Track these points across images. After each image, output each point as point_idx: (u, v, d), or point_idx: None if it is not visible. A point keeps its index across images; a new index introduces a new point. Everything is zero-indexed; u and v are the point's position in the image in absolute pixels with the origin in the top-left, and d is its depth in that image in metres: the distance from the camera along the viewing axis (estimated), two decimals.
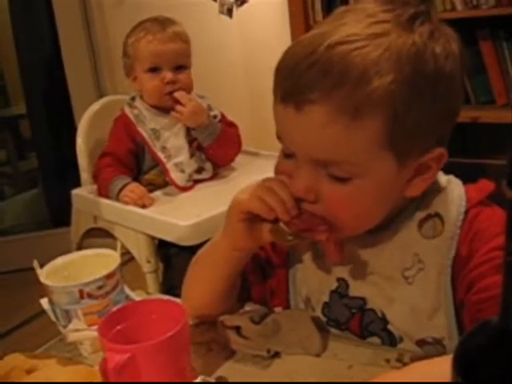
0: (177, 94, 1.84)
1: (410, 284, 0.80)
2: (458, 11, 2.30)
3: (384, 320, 0.83)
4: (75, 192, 2.00)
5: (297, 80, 0.71)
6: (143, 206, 1.75)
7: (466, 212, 0.79)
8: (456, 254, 0.78)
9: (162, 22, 1.88)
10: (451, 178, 0.82)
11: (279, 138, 0.78)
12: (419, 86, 0.70)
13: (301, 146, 0.74)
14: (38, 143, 3.45)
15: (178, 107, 1.83)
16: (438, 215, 0.79)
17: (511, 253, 0.37)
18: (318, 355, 0.82)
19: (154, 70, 1.85)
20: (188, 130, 1.88)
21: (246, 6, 2.92)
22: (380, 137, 0.70)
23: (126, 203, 1.76)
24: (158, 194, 1.84)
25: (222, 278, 0.88)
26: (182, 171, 1.84)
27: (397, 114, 0.69)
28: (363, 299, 0.84)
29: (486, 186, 0.81)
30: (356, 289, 0.84)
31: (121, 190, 1.77)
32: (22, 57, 3.25)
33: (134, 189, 1.78)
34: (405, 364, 0.77)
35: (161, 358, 0.71)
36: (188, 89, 1.89)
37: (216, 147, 1.88)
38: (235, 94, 2.98)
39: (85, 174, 2.00)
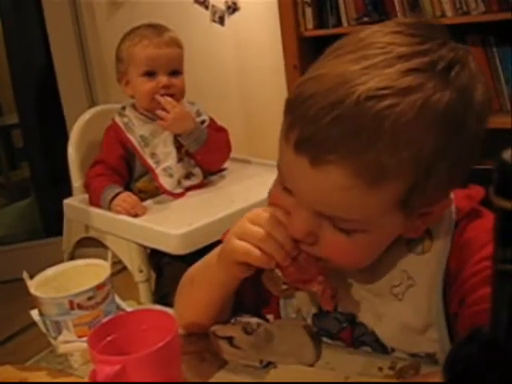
0: (161, 100, 1.84)
1: (400, 300, 0.78)
2: (448, 17, 2.31)
3: (375, 334, 0.82)
4: (67, 201, 2.00)
5: (317, 132, 0.64)
6: (135, 215, 1.74)
7: (456, 224, 0.77)
8: (446, 267, 0.76)
9: (157, 28, 1.90)
10: None
11: (280, 171, 0.73)
12: (447, 152, 0.66)
13: (307, 198, 0.70)
14: (30, 153, 3.44)
15: (162, 113, 1.83)
16: (426, 231, 0.77)
17: (501, 261, 0.37)
18: (311, 365, 0.81)
19: (149, 74, 1.86)
20: (176, 136, 1.88)
21: (237, 13, 2.92)
22: (395, 200, 0.67)
23: (119, 213, 1.76)
24: (149, 202, 1.84)
25: (219, 302, 0.87)
26: (171, 176, 1.85)
27: (418, 180, 0.65)
28: (352, 314, 0.83)
29: (476, 192, 0.79)
30: (345, 305, 0.83)
31: (112, 199, 1.77)
32: (14, 66, 3.24)
33: (127, 198, 1.77)
34: (397, 372, 0.76)
35: (151, 369, 0.71)
36: (181, 94, 1.90)
37: (203, 152, 1.88)
38: (228, 101, 2.98)
39: (76, 184, 1.99)
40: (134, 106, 1.93)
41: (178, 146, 1.88)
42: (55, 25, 2.87)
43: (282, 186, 0.73)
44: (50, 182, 3.28)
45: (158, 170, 1.84)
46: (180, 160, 1.87)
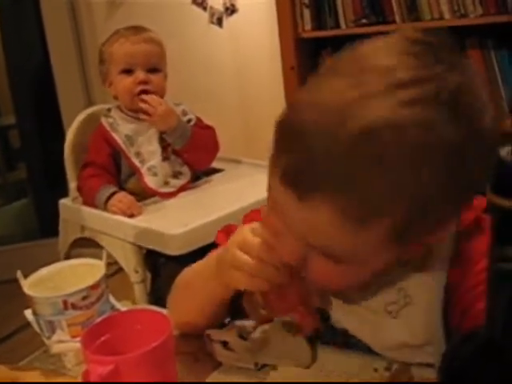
0: (147, 97, 1.85)
1: (395, 318, 0.76)
2: (446, 20, 2.31)
3: (369, 347, 0.80)
4: (62, 201, 2.00)
5: (306, 165, 0.60)
6: (131, 216, 1.74)
7: (457, 235, 0.74)
8: (447, 279, 0.73)
9: (136, 28, 1.92)
10: None
11: (268, 192, 0.69)
12: (449, 187, 0.61)
13: (294, 229, 0.67)
14: (27, 153, 3.43)
15: (149, 108, 1.83)
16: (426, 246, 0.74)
17: (498, 260, 0.37)
18: (307, 367, 0.81)
19: (127, 71, 1.87)
20: (162, 135, 1.88)
21: (235, 15, 2.92)
22: (389, 235, 0.63)
23: (114, 213, 1.75)
24: (145, 202, 1.84)
25: (215, 310, 0.86)
26: (155, 174, 1.85)
27: (415, 217, 0.61)
28: (346, 329, 0.81)
29: (478, 202, 0.73)
30: (337, 320, 0.81)
31: (108, 199, 1.77)
32: (12, 67, 3.23)
33: (122, 198, 1.77)
34: (393, 373, 0.76)
35: (145, 369, 0.70)
36: (160, 91, 1.90)
37: (189, 150, 1.88)
38: (226, 102, 2.98)
39: (72, 184, 1.99)
40: (119, 107, 1.94)
41: (165, 145, 1.88)
42: (53, 25, 2.87)
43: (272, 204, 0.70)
44: (47, 182, 3.28)
45: (143, 170, 1.85)
46: (166, 159, 1.88)
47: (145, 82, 1.86)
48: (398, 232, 0.63)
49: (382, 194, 0.59)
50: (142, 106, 1.84)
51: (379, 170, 0.58)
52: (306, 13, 2.59)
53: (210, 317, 0.87)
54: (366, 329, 0.79)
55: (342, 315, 0.81)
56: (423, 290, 0.74)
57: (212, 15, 2.92)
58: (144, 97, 1.85)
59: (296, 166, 0.61)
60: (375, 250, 0.66)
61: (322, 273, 0.69)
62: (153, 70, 1.89)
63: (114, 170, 1.88)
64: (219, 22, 2.93)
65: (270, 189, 0.69)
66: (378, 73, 0.60)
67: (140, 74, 1.86)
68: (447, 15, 2.31)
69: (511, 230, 0.35)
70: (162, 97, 1.89)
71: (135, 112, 1.89)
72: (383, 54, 0.62)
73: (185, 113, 1.96)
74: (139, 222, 1.72)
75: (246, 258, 0.73)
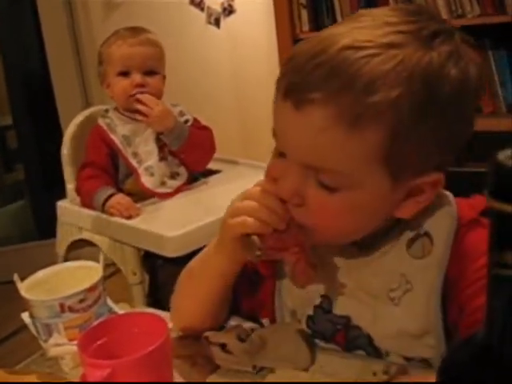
0: (142, 97, 1.84)
1: (397, 305, 0.77)
2: None
3: (369, 337, 0.81)
4: (60, 203, 1.99)
5: (301, 77, 0.68)
6: (129, 217, 1.73)
7: (457, 230, 0.76)
8: (446, 274, 0.75)
9: (134, 29, 1.92)
10: (442, 192, 0.78)
11: (275, 135, 0.75)
12: (427, 108, 0.67)
13: (294, 147, 0.72)
14: (24, 155, 3.43)
15: (145, 109, 1.83)
16: (426, 234, 0.76)
17: (496, 265, 0.36)
18: (305, 369, 0.80)
19: (124, 73, 1.87)
20: (159, 135, 1.88)
21: (233, 16, 2.92)
22: (377, 151, 0.68)
23: (112, 215, 1.75)
24: (142, 204, 1.83)
25: (218, 293, 0.86)
26: (152, 175, 1.85)
27: (398, 131, 0.67)
28: (347, 317, 0.82)
29: (479, 202, 0.77)
30: (340, 307, 0.82)
31: (105, 201, 1.76)
32: (9, 68, 3.23)
33: (120, 200, 1.77)
34: (392, 377, 0.75)
35: (142, 373, 0.70)
36: (157, 94, 1.90)
37: (185, 150, 1.88)
38: (223, 103, 2.98)
39: (70, 186, 1.98)
40: (116, 108, 1.94)
41: (161, 145, 1.88)
42: (50, 26, 2.86)
43: (276, 152, 0.76)
44: (44, 184, 3.27)
45: (140, 170, 1.85)
46: (163, 159, 1.88)
47: (141, 85, 1.86)
48: (386, 148, 0.68)
49: (366, 97, 0.66)
50: (138, 107, 1.84)
51: (363, 75, 0.65)
52: (304, 13, 2.59)
53: (213, 304, 0.87)
54: (367, 314, 0.80)
55: (345, 304, 0.81)
56: (424, 277, 0.76)
57: (209, 16, 2.92)
58: (139, 96, 1.85)
59: (293, 81, 0.70)
60: (367, 171, 0.69)
61: (318, 206, 0.72)
62: (150, 72, 1.89)
63: (113, 171, 1.88)
64: (217, 23, 2.93)
65: (273, 129, 0.75)
66: (371, 17, 0.72)
67: (136, 77, 1.86)
68: (444, 15, 2.31)
69: (510, 235, 0.35)
70: (158, 99, 1.89)
71: (132, 113, 1.88)
72: (375, 10, 0.75)
73: (182, 113, 1.96)
74: (137, 223, 1.72)
75: (247, 202, 0.77)
